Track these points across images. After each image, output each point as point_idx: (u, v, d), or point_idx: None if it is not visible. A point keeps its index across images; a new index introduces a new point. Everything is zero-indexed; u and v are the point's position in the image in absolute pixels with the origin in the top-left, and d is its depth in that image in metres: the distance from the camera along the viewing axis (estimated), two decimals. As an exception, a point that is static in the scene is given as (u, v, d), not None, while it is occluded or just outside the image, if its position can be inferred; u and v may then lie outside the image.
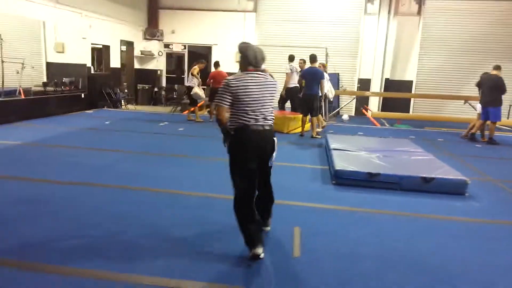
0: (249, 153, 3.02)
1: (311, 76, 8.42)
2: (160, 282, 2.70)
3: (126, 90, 13.32)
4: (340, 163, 5.28)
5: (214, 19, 14.50)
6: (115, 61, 13.05)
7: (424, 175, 5.00)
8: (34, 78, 13.27)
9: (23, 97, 11.75)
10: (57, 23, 11.83)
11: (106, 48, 12.69)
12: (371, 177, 5.00)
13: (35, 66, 13.31)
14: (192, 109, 10.40)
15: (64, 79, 13.08)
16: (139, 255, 3.05)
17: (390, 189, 4.96)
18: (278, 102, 10.75)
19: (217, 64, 10.34)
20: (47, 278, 2.69)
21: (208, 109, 11.44)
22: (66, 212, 3.84)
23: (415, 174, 5.05)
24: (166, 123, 9.82)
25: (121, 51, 13.59)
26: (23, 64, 13.40)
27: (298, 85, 10.37)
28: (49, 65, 13.35)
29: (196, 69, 10.15)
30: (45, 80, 13.24)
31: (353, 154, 5.97)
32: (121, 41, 13.39)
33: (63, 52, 13.81)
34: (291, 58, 10.50)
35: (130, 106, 13.06)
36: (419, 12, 13.71)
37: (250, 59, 3.06)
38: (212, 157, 6.32)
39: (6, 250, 3.04)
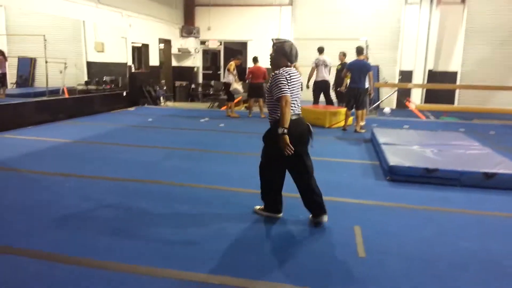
0: (301, 138, 3.39)
1: (359, 69, 8.16)
2: (229, 282, 2.63)
3: (164, 87, 13.48)
4: (394, 159, 5.06)
5: (249, 15, 14.42)
6: (154, 59, 13.22)
7: (485, 170, 4.72)
8: (77, 77, 13.69)
9: (66, 96, 12.14)
10: (97, 22, 12.10)
11: (145, 46, 12.88)
12: (429, 173, 4.76)
13: (77, 65, 13.73)
14: (230, 104, 10.37)
15: (105, 78, 13.41)
16: (213, 256, 3.01)
17: (450, 185, 4.71)
18: (313, 96, 10.53)
19: (255, 60, 10.25)
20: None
21: (246, 105, 11.39)
22: (125, 208, 3.86)
23: (475, 169, 4.77)
24: (206, 119, 9.84)
25: (160, 49, 13.75)
26: (65, 63, 13.86)
27: (327, 79, 10.16)
28: (89, 64, 13.72)
29: (232, 65, 10.12)
30: (86, 79, 13.62)
31: (405, 148, 5.72)
32: (159, 39, 13.55)
33: (103, 52, 14.15)
34: (321, 51, 10.27)
35: (168, 103, 13.22)
36: (463, 1, 13.08)
37: (289, 55, 3.38)
38: (256, 153, 6.23)
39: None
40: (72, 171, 5.00)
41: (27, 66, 15.55)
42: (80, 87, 12.95)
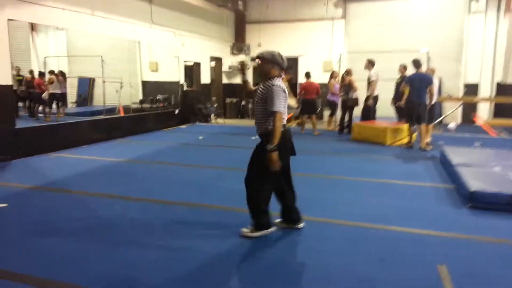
0: (289, 151, 3.43)
1: (419, 82, 7.55)
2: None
3: (215, 105, 13.45)
4: (476, 183, 4.43)
5: (300, 30, 14.15)
6: (205, 77, 13.27)
7: None
8: (132, 96, 14.04)
9: (122, 114, 12.42)
10: (151, 43, 12.37)
11: (197, 64, 12.96)
12: (519, 201, 4.10)
13: (132, 84, 14.12)
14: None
15: (158, 96, 13.64)
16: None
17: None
18: (362, 112, 9.88)
19: (308, 75, 9.90)
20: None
21: (297, 121, 11.02)
22: (177, 236, 3.59)
23: None
24: (257, 137, 9.55)
25: (211, 67, 13.80)
26: (121, 83, 14.29)
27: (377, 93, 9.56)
28: (144, 83, 14.05)
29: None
30: (141, 98, 13.94)
31: (485, 171, 5.04)
32: (211, 57, 13.60)
33: (157, 71, 14.47)
34: (373, 64, 9.66)
35: (219, 120, 13.14)
36: (534, 7, 11.96)
37: (281, 64, 3.34)
38: (315, 173, 5.82)
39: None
40: (124, 193, 4.85)
41: (86, 85, 16.26)
42: (134, 106, 13.26)
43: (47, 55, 15.65)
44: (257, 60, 3.37)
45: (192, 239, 3.49)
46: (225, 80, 14.83)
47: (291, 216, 3.65)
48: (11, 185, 5.22)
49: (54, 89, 11.80)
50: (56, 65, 14.66)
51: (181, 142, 8.64)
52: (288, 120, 10.07)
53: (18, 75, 10.98)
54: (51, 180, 5.50)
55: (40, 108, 12.24)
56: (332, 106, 10.54)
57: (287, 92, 3.33)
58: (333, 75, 10.39)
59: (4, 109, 6.52)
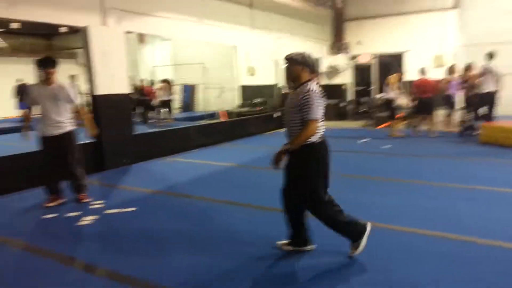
0: (324, 167, 3.03)
1: None
2: None
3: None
4: None
5: (405, 24, 13.13)
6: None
7: None
8: (231, 101, 14.33)
9: (223, 119, 12.69)
10: (249, 47, 12.44)
11: (295, 66, 12.71)
12: None
13: (231, 89, 14.42)
14: (393, 123, 9.28)
15: (256, 100, 13.70)
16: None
17: None
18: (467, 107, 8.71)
19: (423, 71, 9.02)
20: None
21: (407, 122, 10.14)
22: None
23: None
24: (365, 139, 8.96)
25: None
26: (221, 88, 14.68)
27: (492, 91, 8.24)
28: (242, 88, 14.24)
29: (391, 79, 9.10)
30: (240, 102, 14.15)
31: None
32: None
33: (254, 75, 14.58)
34: (491, 56, 8.39)
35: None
36: None
37: (312, 66, 3.01)
38: (439, 182, 5.13)
39: None
40: (239, 199, 4.73)
41: (189, 92, 17.08)
42: (234, 110, 13.50)
43: (154, 64, 16.78)
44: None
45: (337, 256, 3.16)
46: (323, 81, 14.38)
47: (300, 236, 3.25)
48: (136, 189, 5.44)
49: (163, 96, 12.49)
50: (162, 74, 15.63)
51: (280, 145, 8.43)
52: (395, 120, 9.40)
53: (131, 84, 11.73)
54: (171, 184, 5.63)
55: (150, 114, 13.08)
56: (450, 104, 9.49)
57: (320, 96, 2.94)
58: (452, 70, 9.35)
59: (124, 116, 6.92)
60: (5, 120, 15.50)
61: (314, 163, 2.96)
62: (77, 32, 17.83)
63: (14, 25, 13.91)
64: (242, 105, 13.72)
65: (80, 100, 4.80)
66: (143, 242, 3.61)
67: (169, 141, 8.06)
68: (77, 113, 4.77)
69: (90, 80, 6.46)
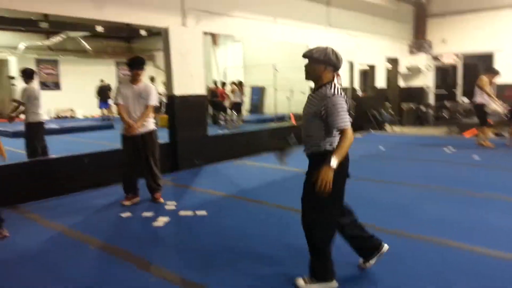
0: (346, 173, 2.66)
1: None
2: None
3: (391, 111, 12.30)
4: None
5: (496, 20, 11.90)
6: (379, 81, 12.25)
7: None
8: (301, 103, 13.97)
9: (294, 122, 12.38)
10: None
11: (371, 67, 12.06)
12: None
13: (301, 92, 14.07)
14: (482, 130, 8.34)
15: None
16: None
17: None
18: None
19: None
20: None
21: (496, 130, 9.10)
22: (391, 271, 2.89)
23: None
24: (451, 148, 8.13)
25: (387, 69, 12.70)
26: (292, 91, 14.38)
27: None
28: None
29: (482, 80, 8.13)
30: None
31: None
32: (386, 58, 12.51)
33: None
34: None
35: (395, 128, 11.95)
36: None
37: (336, 62, 2.56)
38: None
39: None
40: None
41: (258, 94, 17.04)
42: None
43: (225, 66, 16.97)
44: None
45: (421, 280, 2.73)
46: (401, 83, 13.51)
47: (368, 245, 2.90)
48: (208, 191, 5.34)
49: (234, 98, 12.50)
50: (233, 75, 15.73)
51: (360, 153, 7.93)
52: (485, 127, 8.42)
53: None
54: (242, 188, 5.45)
55: (221, 116, 13.18)
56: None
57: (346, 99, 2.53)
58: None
59: (199, 117, 6.91)
60: (88, 119, 16.62)
61: (337, 176, 2.47)
62: (155, 35, 18.62)
63: (99, 29, 14.83)
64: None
65: (156, 102, 4.77)
66: (218, 249, 3.42)
67: (240, 144, 7.94)
68: (145, 113, 4.70)
69: (168, 80, 6.52)
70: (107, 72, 18.00)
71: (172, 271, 3.03)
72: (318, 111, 2.50)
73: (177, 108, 6.55)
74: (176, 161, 6.54)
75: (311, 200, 2.63)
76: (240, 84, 12.79)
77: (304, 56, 2.61)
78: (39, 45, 16.79)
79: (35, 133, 6.17)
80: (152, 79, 13.52)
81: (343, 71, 12.11)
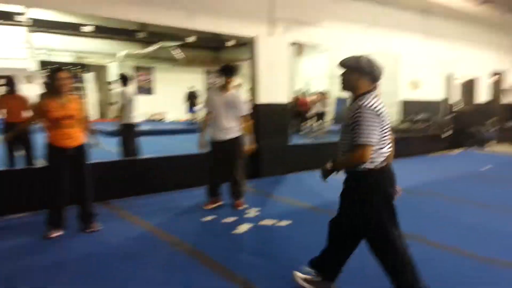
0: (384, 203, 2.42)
1: None
2: None
3: (494, 128, 11.07)
4: None
5: None
6: (479, 96, 11.11)
7: None
8: (390, 116, 13.23)
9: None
10: (416, 57, 11.24)
11: (470, 81, 11.00)
12: None
13: (388, 104, 13.32)
14: None
15: (419, 116, 12.33)
16: None
17: None
18: None
19: None
20: None
21: None
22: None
23: None
24: None
25: (491, 83, 11.51)
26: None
27: None
28: (404, 103, 13.00)
29: None
30: (399, 118, 12.96)
31: None
32: (489, 72, 11.33)
33: (417, 88, 13.21)
34: None
35: (498, 147, 10.71)
36: None
37: (373, 72, 2.36)
38: None
39: None
40: (413, 231, 3.96)
41: (341, 105, 16.55)
42: (393, 126, 12.43)
43: (309, 76, 16.77)
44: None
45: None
46: (506, 99, 12.14)
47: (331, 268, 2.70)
48: (291, 201, 5.17)
49: (317, 108, 12.24)
50: (317, 86, 15.47)
51: (459, 172, 7.16)
52: None
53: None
54: (327, 200, 5.15)
55: (303, 125, 12.98)
56: None
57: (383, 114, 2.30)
58: None
59: (282, 126, 6.79)
60: (177, 123, 17.50)
61: (371, 197, 2.37)
62: (241, 46, 19.09)
63: (190, 39, 15.61)
64: (402, 122, 12.51)
65: (246, 112, 4.73)
66: (302, 262, 3.20)
67: (323, 154, 7.61)
68: (243, 123, 4.71)
69: (253, 89, 6.52)
70: (196, 79, 18.84)
71: (253, 283, 2.88)
72: (349, 122, 2.32)
73: (261, 116, 6.50)
74: (258, 168, 6.47)
75: (364, 228, 2.47)
76: (323, 94, 12.49)
77: (339, 65, 2.45)
78: (137, 53, 18.17)
79: (128, 133, 6.52)
80: (238, 87, 13.81)
81: (437, 82, 11.24)
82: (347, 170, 2.45)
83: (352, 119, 2.28)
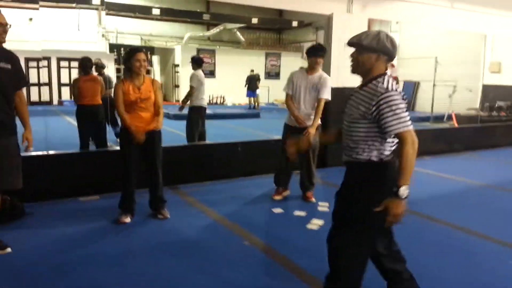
0: None
1: None
2: None
3: None
4: None
5: None
6: None
7: None
8: (468, 102, 12.16)
9: (455, 123, 10.86)
10: (501, 38, 10.11)
11: None
12: None
13: (465, 88, 12.21)
14: None
15: (498, 103, 11.23)
16: None
17: None
18: None
19: None
20: None
21: None
22: None
23: None
24: None
25: None
26: (454, 87, 12.62)
27: None
28: (484, 87, 11.84)
29: None
30: (477, 104, 11.88)
31: None
32: None
33: (499, 72, 12.02)
34: None
35: None
36: None
37: (391, 52, 2.01)
38: None
39: None
40: (500, 237, 3.49)
41: (410, 89, 15.54)
42: (468, 113, 11.41)
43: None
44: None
45: None
46: None
47: None
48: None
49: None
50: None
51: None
52: None
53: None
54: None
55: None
56: None
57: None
58: None
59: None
60: (237, 107, 17.49)
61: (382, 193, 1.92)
62: (305, 27, 18.42)
63: (254, 21, 15.33)
64: (481, 109, 11.45)
65: (328, 96, 4.37)
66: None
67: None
68: (319, 109, 4.33)
69: (325, 71, 6.11)
70: (257, 62, 18.62)
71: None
72: (368, 111, 1.95)
73: (332, 101, 6.11)
74: (325, 157, 6.13)
75: (349, 231, 2.06)
76: (395, 78, 11.70)
77: (350, 43, 2.06)
78: (200, 35, 18.27)
79: (197, 117, 6.43)
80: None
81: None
82: (354, 165, 2.06)
83: (376, 106, 1.92)
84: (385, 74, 2.01)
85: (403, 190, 1.86)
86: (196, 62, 6.43)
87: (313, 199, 4.48)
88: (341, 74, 6.09)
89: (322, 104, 4.28)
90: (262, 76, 17.64)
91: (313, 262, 2.98)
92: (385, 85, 1.94)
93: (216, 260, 3.05)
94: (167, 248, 3.24)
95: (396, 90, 1.94)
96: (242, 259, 3.08)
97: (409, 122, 1.90)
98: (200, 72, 6.39)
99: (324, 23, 6.11)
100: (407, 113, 1.92)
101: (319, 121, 4.33)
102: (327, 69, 6.11)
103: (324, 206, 4.29)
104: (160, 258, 3.05)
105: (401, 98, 1.93)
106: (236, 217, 4.00)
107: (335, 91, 6.07)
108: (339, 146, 5.90)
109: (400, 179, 1.87)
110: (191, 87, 6.26)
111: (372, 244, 2.14)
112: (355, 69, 2.11)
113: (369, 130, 1.99)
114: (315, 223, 3.78)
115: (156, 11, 13.45)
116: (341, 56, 6.05)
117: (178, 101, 15.79)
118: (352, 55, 2.08)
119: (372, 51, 2.00)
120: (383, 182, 1.99)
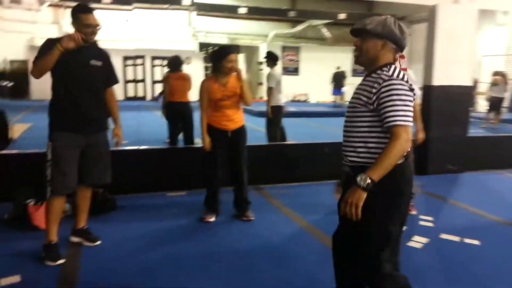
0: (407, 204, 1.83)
1: None
2: None
3: None
4: None
5: None
6: None
7: None
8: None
9: None
10: None
11: None
12: None
13: None
14: None
15: None
16: None
17: None
18: None
19: None
20: None
21: None
22: None
23: None
24: None
25: None
26: None
27: None
28: None
29: None
30: None
31: None
32: None
33: None
34: None
35: None
36: None
37: (403, 43, 1.79)
38: None
39: None
40: None
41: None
42: None
43: (482, 53, 14.24)
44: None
45: None
46: None
47: None
48: (471, 209, 4.17)
49: (494, 92, 10.23)
50: (490, 66, 13.06)
51: None
52: None
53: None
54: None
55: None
56: None
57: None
58: None
59: (461, 113, 5.63)
60: (322, 105, 17.01)
61: (395, 196, 1.74)
62: (398, 19, 17.44)
63: (341, 16, 14.72)
64: None
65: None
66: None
67: (507, 149, 6.21)
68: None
69: (427, 67, 5.50)
70: (344, 59, 17.92)
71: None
72: (369, 100, 1.74)
73: (434, 101, 5.47)
74: (425, 163, 5.50)
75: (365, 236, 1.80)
76: (503, 76, 10.35)
77: (353, 31, 1.81)
78: (285, 33, 18.10)
79: (275, 116, 6.19)
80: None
81: None
82: (357, 167, 1.78)
83: (377, 94, 1.70)
84: (392, 63, 1.79)
85: (364, 180, 1.65)
86: (272, 59, 6.16)
87: (414, 211, 3.97)
88: (445, 70, 5.42)
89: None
90: (348, 73, 16.92)
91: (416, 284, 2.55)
92: (390, 72, 1.74)
93: (307, 275, 2.76)
94: (251, 254, 3.03)
95: (402, 79, 1.72)
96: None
97: (409, 118, 1.67)
98: (276, 70, 6.14)
99: (427, 16, 5.48)
100: (409, 108, 1.68)
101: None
102: (428, 66, 5.49)
103: (428, 222, 3.77)
104: (243, 266, 2.85)
105: (406, 89, 1.69)
106: (326, 226, 3.59)
107: (440, 89, 5.45)
108: (443, 153, 5.23)
109: (369, 169, 1.67)
110: (270, 88, 6.02)
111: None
112: (358, 59, 1.86)
113: (371, 125, 1.76)
114: (419, 241, 3.30)
115: (243, 10, 13.54)
116: (446, 51, 5.38)
117: (261, 97, 15.79)
118: (355, 44, 1.84)
119: (378, 37, 1.77)
120: (396, 189, 1.74)
